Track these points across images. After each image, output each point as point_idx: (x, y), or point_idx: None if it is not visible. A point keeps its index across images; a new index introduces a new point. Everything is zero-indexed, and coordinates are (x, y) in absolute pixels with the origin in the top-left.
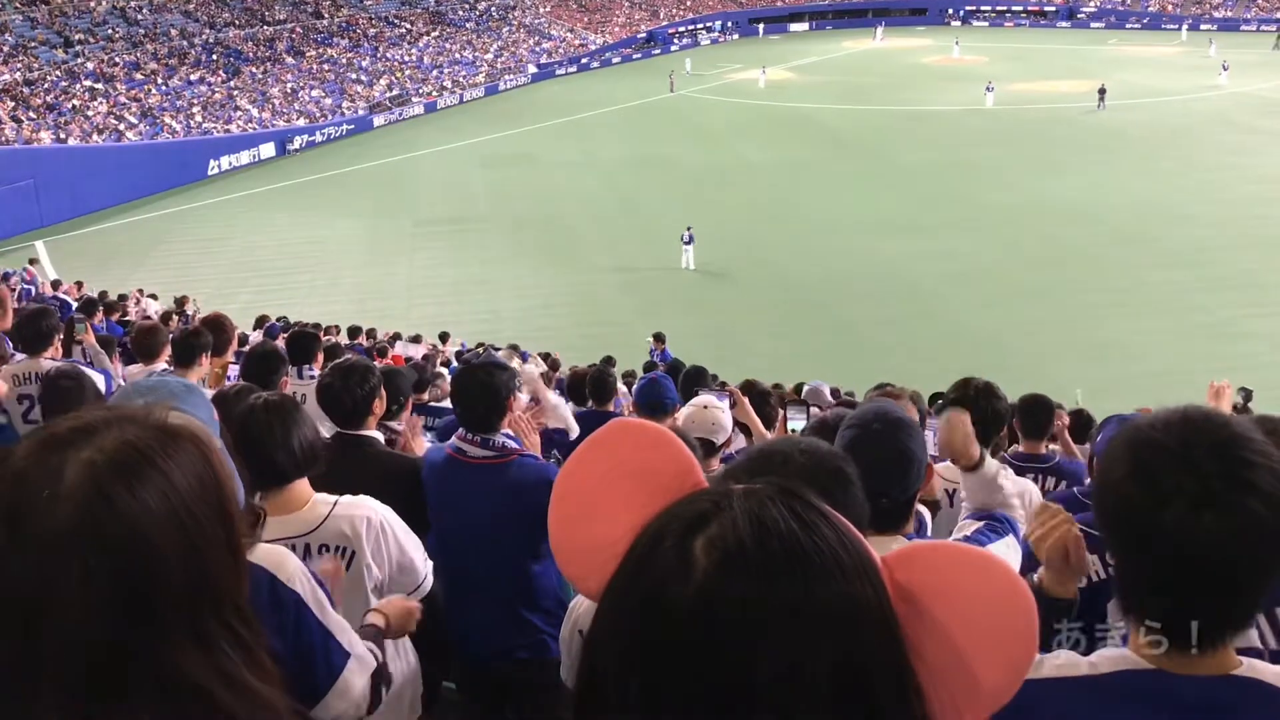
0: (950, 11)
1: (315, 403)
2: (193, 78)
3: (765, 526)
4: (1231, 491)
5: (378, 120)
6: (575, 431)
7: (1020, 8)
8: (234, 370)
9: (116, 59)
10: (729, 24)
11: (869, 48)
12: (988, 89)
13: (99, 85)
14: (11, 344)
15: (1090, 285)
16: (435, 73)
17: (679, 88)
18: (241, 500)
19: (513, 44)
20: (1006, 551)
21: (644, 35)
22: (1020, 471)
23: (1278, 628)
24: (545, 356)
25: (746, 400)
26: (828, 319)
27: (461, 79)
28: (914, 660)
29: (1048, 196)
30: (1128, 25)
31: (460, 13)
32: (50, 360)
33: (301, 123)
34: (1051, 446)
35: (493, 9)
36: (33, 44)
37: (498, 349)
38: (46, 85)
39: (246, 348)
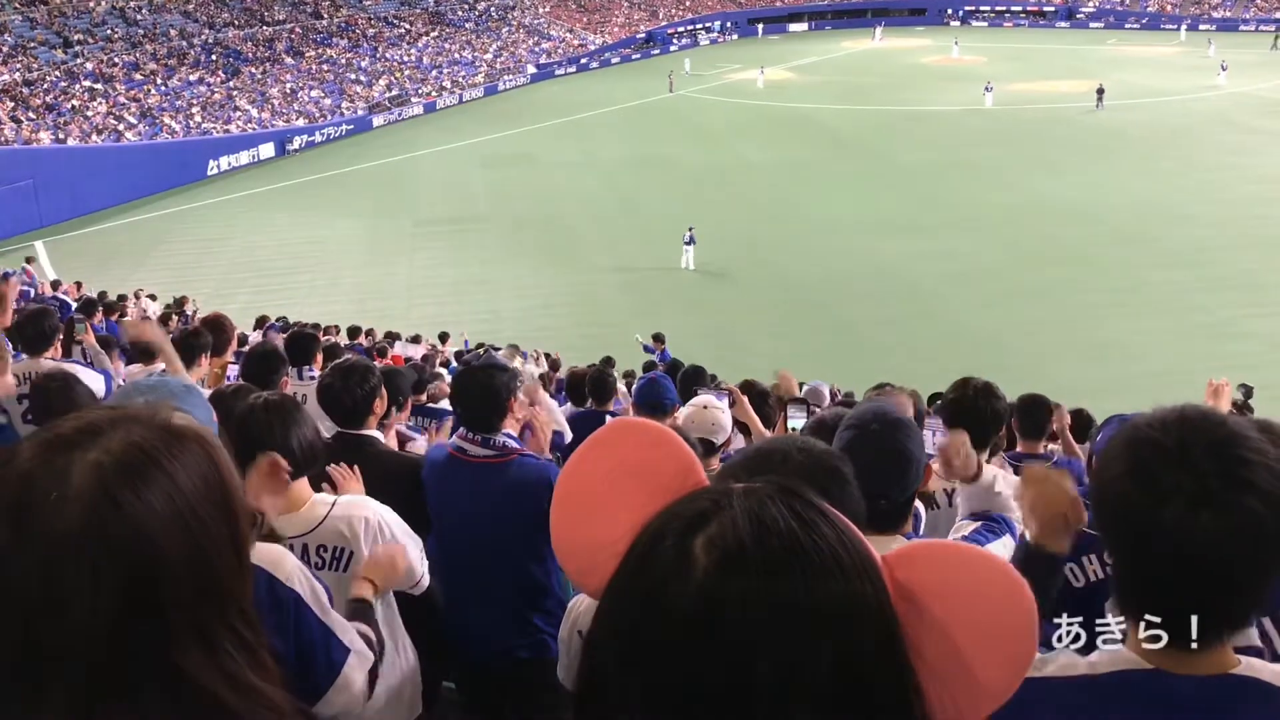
0: (949, 11)
1: (315, 403)
2: (192, 78)
3: (765, 525)
4: (1229, 490)
5: (377, 120)
6: (569, 435)
7: (1019, 8)
8: (233, 370)
9: (116, 59)
10: (728, 24)
11: (868, 48)
12: (987, 89)
13: (98, 85)
14: (12, 344)
15: (1090, 285)
16: (434, 73)
17: (678, 88)
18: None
19: (512, 44)
20: (1004, 552)
21: (643, 35)
22: (1019, 471)
23: None
24: (546, 356)
25: (746, 400)
26: (828, 319)
27: (461, 79)
28: (914, 659)
29: (1047, 196)
30: (1127, 25)
31: (459, 13)
32: (51, 361)
33: (301, 123)
34: (1051, 446)
35: (492, 9)
36: (32, 44)
37: (498, 349)
38: (46, 85)
39: (246, 348)
